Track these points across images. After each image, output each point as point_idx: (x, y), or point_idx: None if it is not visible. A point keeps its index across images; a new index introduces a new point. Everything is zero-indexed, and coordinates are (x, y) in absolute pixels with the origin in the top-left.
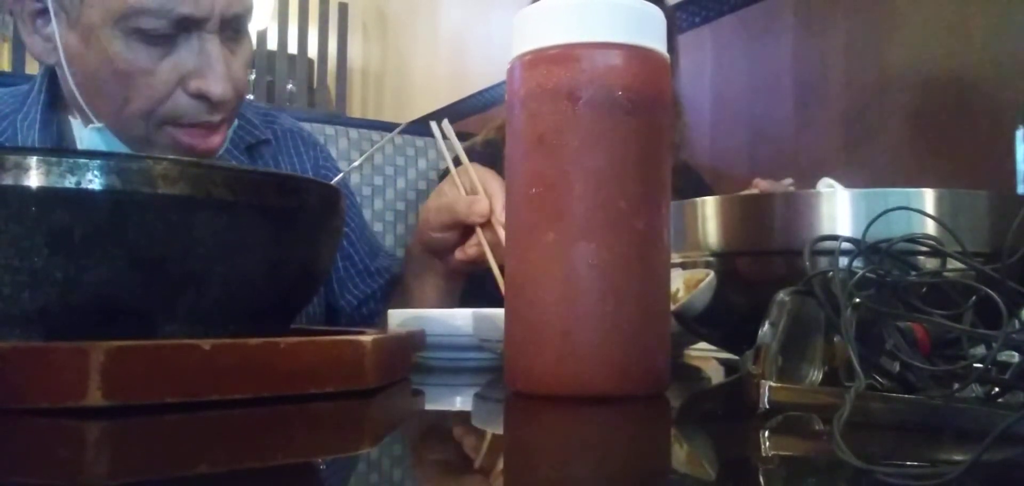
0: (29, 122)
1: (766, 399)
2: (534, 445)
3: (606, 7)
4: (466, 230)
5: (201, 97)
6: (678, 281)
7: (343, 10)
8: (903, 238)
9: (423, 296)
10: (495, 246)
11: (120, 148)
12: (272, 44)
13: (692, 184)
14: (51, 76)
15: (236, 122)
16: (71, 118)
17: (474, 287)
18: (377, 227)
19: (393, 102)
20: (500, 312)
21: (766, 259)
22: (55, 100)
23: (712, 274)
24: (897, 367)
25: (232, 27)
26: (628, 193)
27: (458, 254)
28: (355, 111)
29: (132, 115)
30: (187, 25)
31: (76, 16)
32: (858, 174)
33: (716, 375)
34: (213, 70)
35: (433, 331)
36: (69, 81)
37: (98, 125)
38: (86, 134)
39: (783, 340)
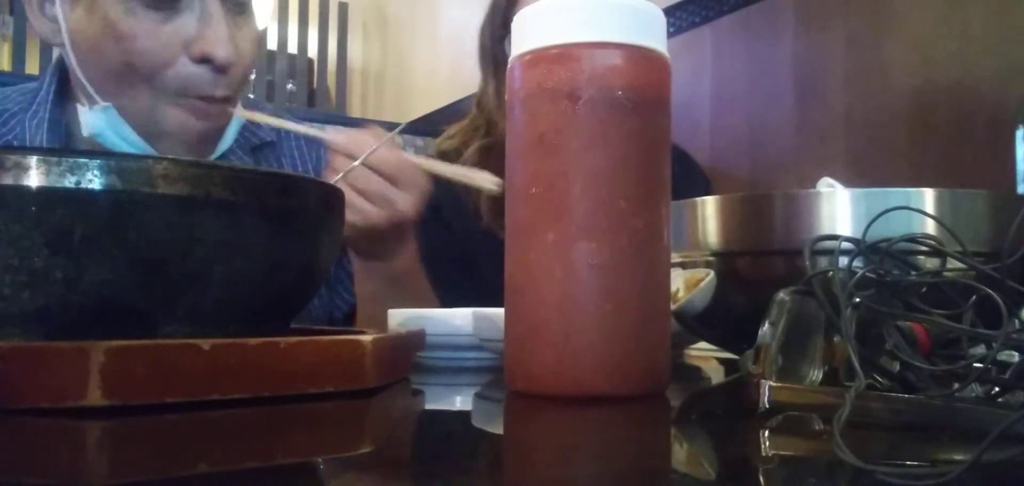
0: (38, 122)
1: (766, 399)
2: (534, 445)
3: (606, 7)
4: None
5: (205, 60)
6: (678, 281)
7: (343, 10)
8: (903, 238)
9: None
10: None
11: (125, 128)
12: (272, 44)
13: (686, 173)
14: (60, 75)
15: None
16: (78, 106)
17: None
18: None
19: (393, 102)
20: (500, 312)
21: (766, 259)
22: (64, 98)
23: (712, 274)
24: (897, 367)
25: None
26: (628, 193)
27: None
28: (355, 111)
29: (138, 87)
30: None
31: None
32: (858, 174)
33: (716, 375)
34: (215, 32)
35: (433, 331)
36: (72, 60)
37: (103, 105)
38: (90, 116)
39: (783, 340)
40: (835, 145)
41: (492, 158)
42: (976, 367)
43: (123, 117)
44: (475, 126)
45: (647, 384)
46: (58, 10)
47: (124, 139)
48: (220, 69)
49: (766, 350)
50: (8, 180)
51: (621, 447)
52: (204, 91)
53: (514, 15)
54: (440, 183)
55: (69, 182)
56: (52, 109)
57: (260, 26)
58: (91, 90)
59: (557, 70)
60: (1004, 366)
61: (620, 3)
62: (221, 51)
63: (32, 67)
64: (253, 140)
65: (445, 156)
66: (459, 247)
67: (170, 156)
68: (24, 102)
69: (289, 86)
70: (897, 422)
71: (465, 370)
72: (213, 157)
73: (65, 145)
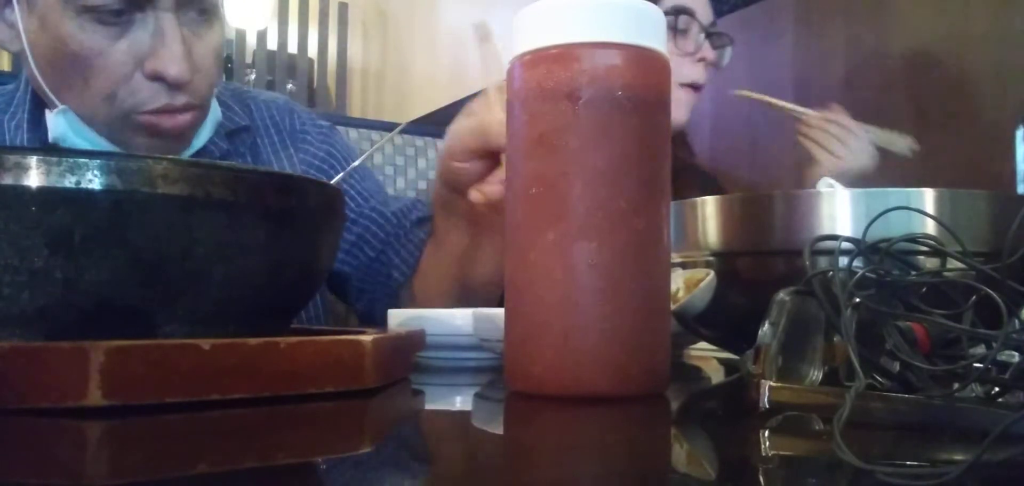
0: (16, 123)
1: (766, 399)
2: (534, 445)
3: (606, 7)
4: (494, 163)
5: (157, 78)
6: (678, 281)
7: (343, 10)
8: (903, 238)
9: (453, 246)
10: None
11: (87, 132)
12: (272, 44)
13: (698, 180)
14: None
15: (218, 119)
16: (47, 110)
17: None
18: None
19: (393, 102)
20: (500, 312)
21: (766, 259)
22: (40, 100)
23: (712, 274)
24: (897, 367)
25: (194, 8)
26: (628, 193)
27: (473, 194)
28: (355, 111)
29: (94, 101)
30: (140, 3)
31: None
32: (857, 173)
33: (716, 375)
34: (168, 49)
35: (433, 331)
36: (32, 68)
37: (62, 107)
38: (52, 120)
39: (783, 340)
40: None
41: None
42: (976, 367)
43: (84, 122)
44: None
45: (647, 384)
46: (17, 17)
47: (88, 142)
48: (173, 86)
49: (766, 350)
50: (8, 180)
51: (621, 447)
52: (159, 105)
53: None
54: None
55: (69, 182)
56: (30, 109)
57: (260, 26)
58: (52, 97)
59: (557, 70)
60: (1004, 366)
61: (620, 3)
62: (173, 69)
63: None
64: (228, 125)
65: None
66: None
67: (170, 156)
68: (3, 103)
69: (289, 86)
70: (897, 422)
71: (465, 370)
72: (189, 153)
73: (43, 146)
